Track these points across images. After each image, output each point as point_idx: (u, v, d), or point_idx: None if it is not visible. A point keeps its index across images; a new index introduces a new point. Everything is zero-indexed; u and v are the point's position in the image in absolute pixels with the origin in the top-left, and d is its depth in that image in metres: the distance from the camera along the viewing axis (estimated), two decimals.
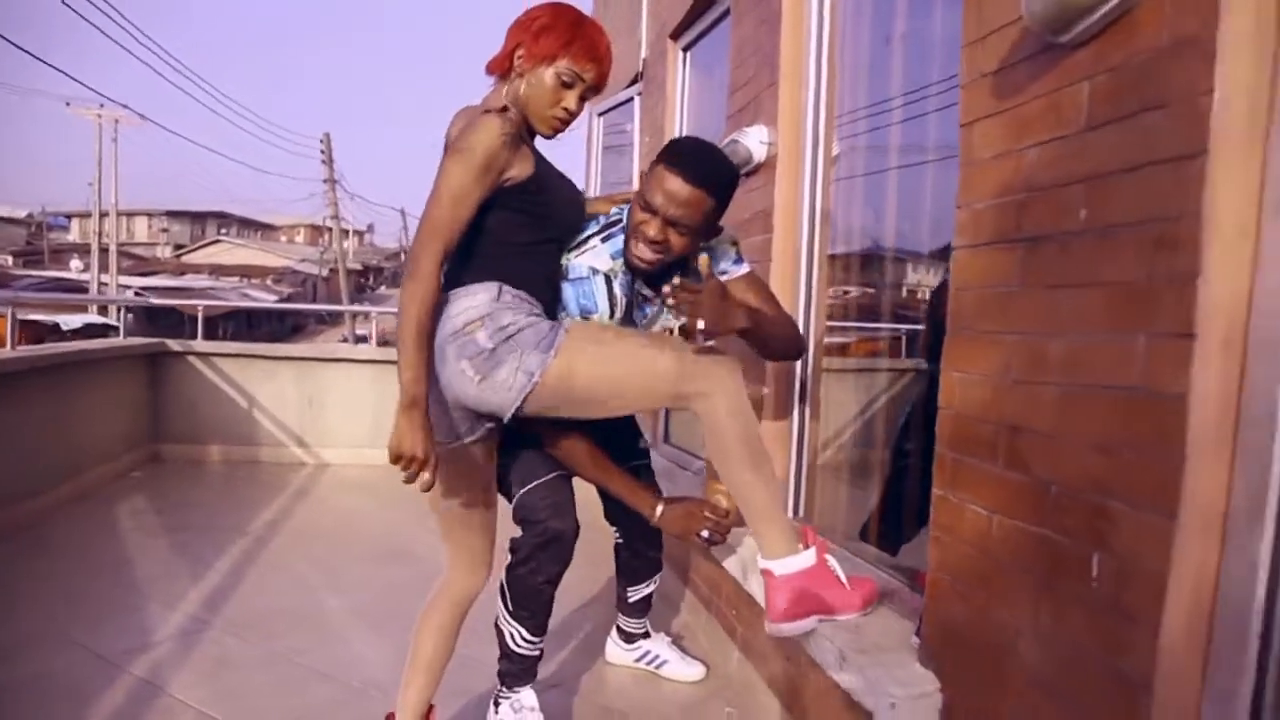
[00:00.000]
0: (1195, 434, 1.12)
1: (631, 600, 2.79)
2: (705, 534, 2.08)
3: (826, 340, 2.72)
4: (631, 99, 4.86)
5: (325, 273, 40.37)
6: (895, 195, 2.82)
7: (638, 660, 2.86)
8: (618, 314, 2.08)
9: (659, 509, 2.12)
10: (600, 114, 5.40)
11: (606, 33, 1.93)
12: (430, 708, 2.13)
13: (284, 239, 57.77)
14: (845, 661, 1.82)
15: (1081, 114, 1.33)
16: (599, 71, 1.88)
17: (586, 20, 1.89)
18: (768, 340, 2.12)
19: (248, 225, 57.09)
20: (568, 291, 2.06)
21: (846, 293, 3.72)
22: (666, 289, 1.80)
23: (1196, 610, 1.15)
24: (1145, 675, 1.18)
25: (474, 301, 1.84)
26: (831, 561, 1.98)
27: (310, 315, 36.42)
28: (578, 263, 2.07)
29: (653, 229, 1.94)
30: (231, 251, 43.47)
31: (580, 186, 2.21)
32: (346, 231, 42.65)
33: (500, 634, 2.31)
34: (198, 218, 54.34)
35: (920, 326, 3.30)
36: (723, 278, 2.12)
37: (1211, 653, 1.15)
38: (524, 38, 1.84)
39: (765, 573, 1.95)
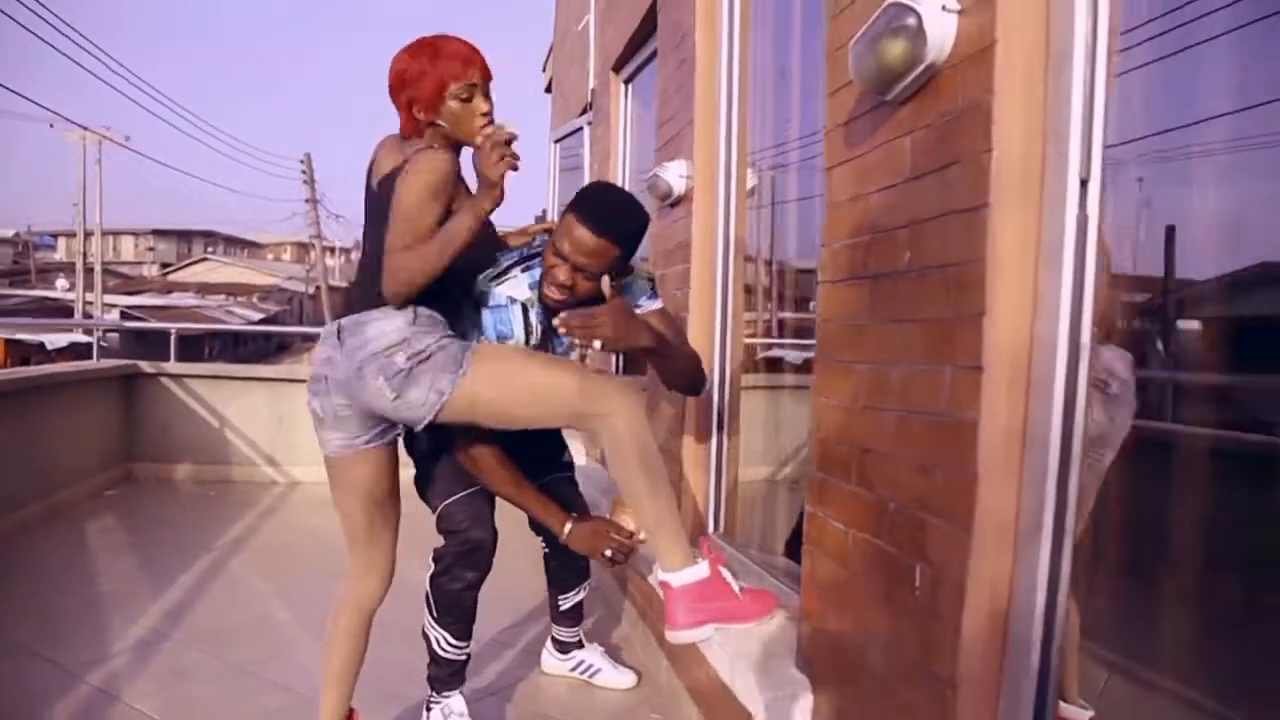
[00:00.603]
0: (985, 456, 1.26)
1: (563, 608, 2.93)
2: (609, 553, 2.20)
3: (765, 358, 2.87)
4: (582, 128, 5.02)
5: (312, 290, 40.48)
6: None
7: (572, 670, 2.99)
8: (533, 340, 2.23)
9: (567, 527, 2.25)
10: (556, 141, 5.55)
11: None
12: (351, 711, 2.25)
13: (270, 256, 57.89)
14: (734, 667, 1.95)
15: (906, 164, 1.47)
16: (479, 67, 2.01)
17: (437, 41, 2.01)
18: (671, 367, 2.26)
19: (234, 244, 57.22)
20: (486, 318, 2.20)
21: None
22: (559, 324, 1.94)
23: (993, 615, 1.28)
24: (951, 675, 1.31)
25: (391, 325, 1.97)
26: (726, 574, 2.11)
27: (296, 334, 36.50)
28: (498, 291, 2.21)
29: (562, 274, 2.10)
30: (218, 270, 43.56)
31: (543, 208, 2.36)
32: (332, 249, 42.77)
33: (427, 640, 2.44)
34: (184, 236, 54.45)
35: None
36: (636, 310, 2.26)
37: (1007, 654, 1.29)
38: (410, 94, 1.98)
39: (663, 584, 2.08)
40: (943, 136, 1.36)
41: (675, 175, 2.86)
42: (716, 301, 2.76)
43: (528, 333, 2.23)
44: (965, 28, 1.31)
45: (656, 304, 2.32)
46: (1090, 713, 1.92)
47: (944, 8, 1.31)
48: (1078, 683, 1.95)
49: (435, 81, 1.96)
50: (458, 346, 2.03)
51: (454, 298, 2.14)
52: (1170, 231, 1.47)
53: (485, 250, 2.22)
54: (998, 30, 1.23)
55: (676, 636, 2.07)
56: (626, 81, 4.33)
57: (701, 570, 2.07)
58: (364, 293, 2.00)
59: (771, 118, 2.85)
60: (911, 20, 1.32)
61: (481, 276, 2.23)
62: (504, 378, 2.01)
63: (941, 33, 1.32)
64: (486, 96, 2.03)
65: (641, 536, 2.24)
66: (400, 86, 1.99)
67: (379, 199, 1.99)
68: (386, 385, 1.95)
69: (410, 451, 2.47)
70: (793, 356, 3.51)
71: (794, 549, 2.86)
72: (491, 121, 2.02)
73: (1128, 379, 1.79)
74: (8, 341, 19.32)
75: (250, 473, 6.21)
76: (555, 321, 1.96)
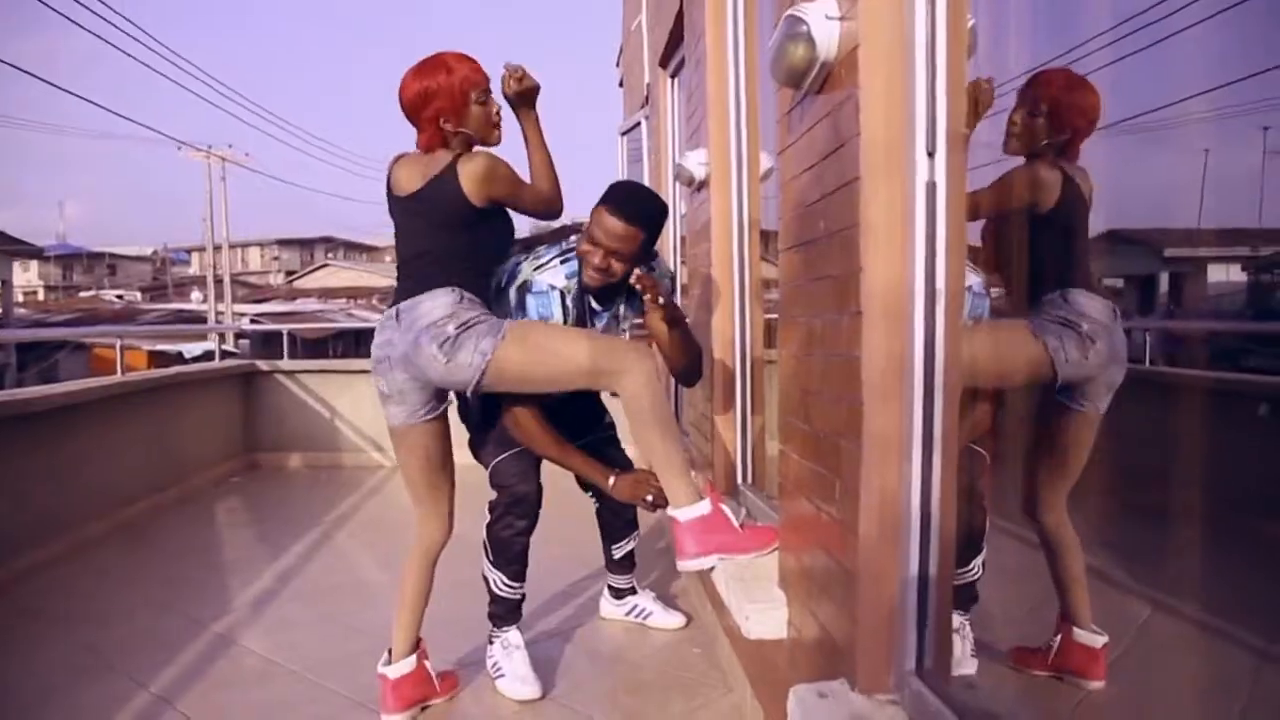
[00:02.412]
0: (869, 385, 1.53)
1: (616, 557, 3.27)
2: (650, 498, 2.52)
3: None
4: (640, 123, 5.32)
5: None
6: None
7: (627, 614, 3.33)
8: (569, 322, 2.58)
9: (611, 479, 2.59)
10: (622, 134, 5.87)
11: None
12: (419, 641, 2.64)
13: (388, 259, 59.83)
14: (729, 588, 2.25)
15: (819, 147, 1.74)
16: (484, 73, 2.40)
17: (441, 57, 2.37)
18: (682, 352, 2.62)
19: (353, 248, 59.41)
20: (530, 302, 2.57)
21: None
22: (634, 280, 2.38)
23: (885, 517, 1.55)
24: (854, 569, 1.59)
25: (441, 302, 2.35)
26: (726, 510, 2.40)
27: None
28: (540, 279, 2.58)
29: (597, 258, 2.48)
30: (338, 274, 45.40)
31: None
32: None
33: (486, 581, 2.82)
34: (306, 244, 56.78)
35: None
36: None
37: (897, 547, 1.55)
38: (437, 107, 2.33)
39: (671, 520, 2.39)
40: (834, 123, 1.63)
41: (695, 163, 3.15)
42: (734, 276, 3.04)
43: (565, 315, 2.59)
44: (844, 31, 1.58)
45: (673, 299, 2.67)
46: (1104, 638, 2.16)
47: (826, 16, 1.58)
48: (1089, 609, 2.21)
49: (459, 91, 2.33)
50: (497, 320, 2.40)
51: (488, 288, 2.52)
52: None
53: (509, 235, 2.58)
54: (860, 33, 1.50)
55: (685, 564, 2.38)
56: (672, 76, 4.61)
57: (704, 507, 2.37)
58: (417, 284, 2.38)
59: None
60: (803, 28, 1.60)
61: (525, 265, 2.60)
62: (536, 341, 2.37)
63: (827, 36, 1.59)
64: (492, 98, 2.42)
65: None
66: (424, 103, 2.34)
67: (429, 203, 2.35)
68: (439, 351, 2.31)
69: (465, 421, 2.85)
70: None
71: None
72: (500, 120, 2.44)
73: (1105, 322, 2.03)
74: (150, 353, 20.76)
75: (359, 458, 6.76)
76: (631, 279, 2.40)
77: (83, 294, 43.26)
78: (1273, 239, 2.10)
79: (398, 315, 2.38)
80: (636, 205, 2.50)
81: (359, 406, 6.79)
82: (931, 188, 1.45)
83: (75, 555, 4.22)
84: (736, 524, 2.42)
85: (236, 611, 3.50)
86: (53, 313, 29.44)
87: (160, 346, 20.62)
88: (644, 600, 3.34)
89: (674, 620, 3.29)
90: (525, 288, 2.58)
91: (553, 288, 2.57)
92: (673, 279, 2.69)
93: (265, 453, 6.72)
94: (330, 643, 3.17)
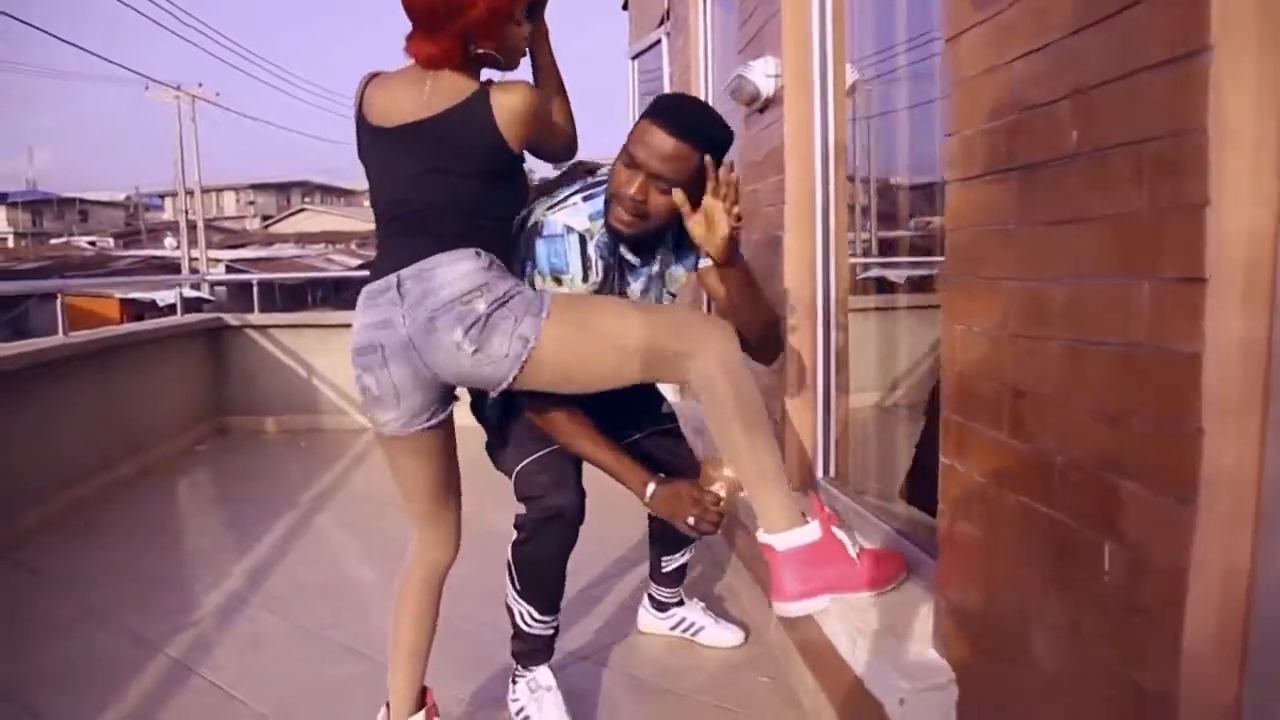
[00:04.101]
0: (1212, 400, 0.91)
1: (665, 570, 2.67)
2: (691, 521, 1.89)
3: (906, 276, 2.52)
4: (659, 41, 4.62)
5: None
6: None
7: (673, 628, 2.73)
8: (592, 278, 1.92)
9: (650, 488, 1.95)
10: (633, 57, 5.17)
11: None
12: (424, 690, 2.04)
13: (366, 204, 58.63)
14: (856, 646, 1.65)
15: (1066, 15, 1.09)
16: None
17: None
18: (753, 313, 1.95)
19: (330, 192, 58.11)
20: (540, 248, 1.90)
21: (928, 223, 3.47)
22: (722, 172, 1.70)
23: (1227, 614, 0.94)
24: (1167, 690, 0.98)
25: (462, 269, 1.70)
26: (841, 534, 1.80)
27: None
28: (553, 219, 1.91)
29: (632, 187, 1.78)
30: (316, 218, 44.34)
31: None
32: None
33: (510, 613, 2.21)
34: (282, 188, 55.59)
35: None
36: (708, 260, 1.94)
37: (1248, 664, 0.94)
38: (474, 19, 1.67)
39: (765, 548, 1.77)
40: None
41: (761, 75, 2.48)
42: (816, 215, 2.39)
43: (585, 268, 1.91)
44: None
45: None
46: None
47: None
48: None
49: (504, 6, 1.70)
50: (532, 292, 1.77)
51: (509, 240, 1.89)
52: None
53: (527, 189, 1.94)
54: None
55: (785, 609, 1.76)
56: None
57: (811, 531, 1.75)
58: (423, 244, 1.73)
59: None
60: None
61: (537, 205, 1.93)
62: (588, 320, 1.75)
63: None
64: (533, 18, 1.83)
65: (741, 493, 1.94)
66: (456, 12, 1.68)
67: (447, 140, 1.73)
68: (465, 339, 1.68)
69: (478, 415, 2.21)
70: (893, 275, 3.15)
71: (914, 491, 2.54)
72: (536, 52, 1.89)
73: None
74: (123, 300, 19.95)
75: (340, 421, 6.13)
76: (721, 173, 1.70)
77: (54, 241, 42.02)
78: None
79: (399, 285, 1.72)
80: (692, 118, 1.80)
81: (338, 364, 6.13)
82: None
83: (3, 551, 3.57)
84: (854, 552, 1.81)
85: (196, 626, 2.88)
86: (22, 260, 28.42)
87: (134, 294, 19.83)
88: (693, 613, 2.74)
89: (730, 637, 2.69)
90: (535, 230, 1.91)
91: (570, 230, 1.89)
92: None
93: (235, 416, 6.07)
94: (310, 666, 2.57)
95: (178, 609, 3.01)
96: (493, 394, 1.81)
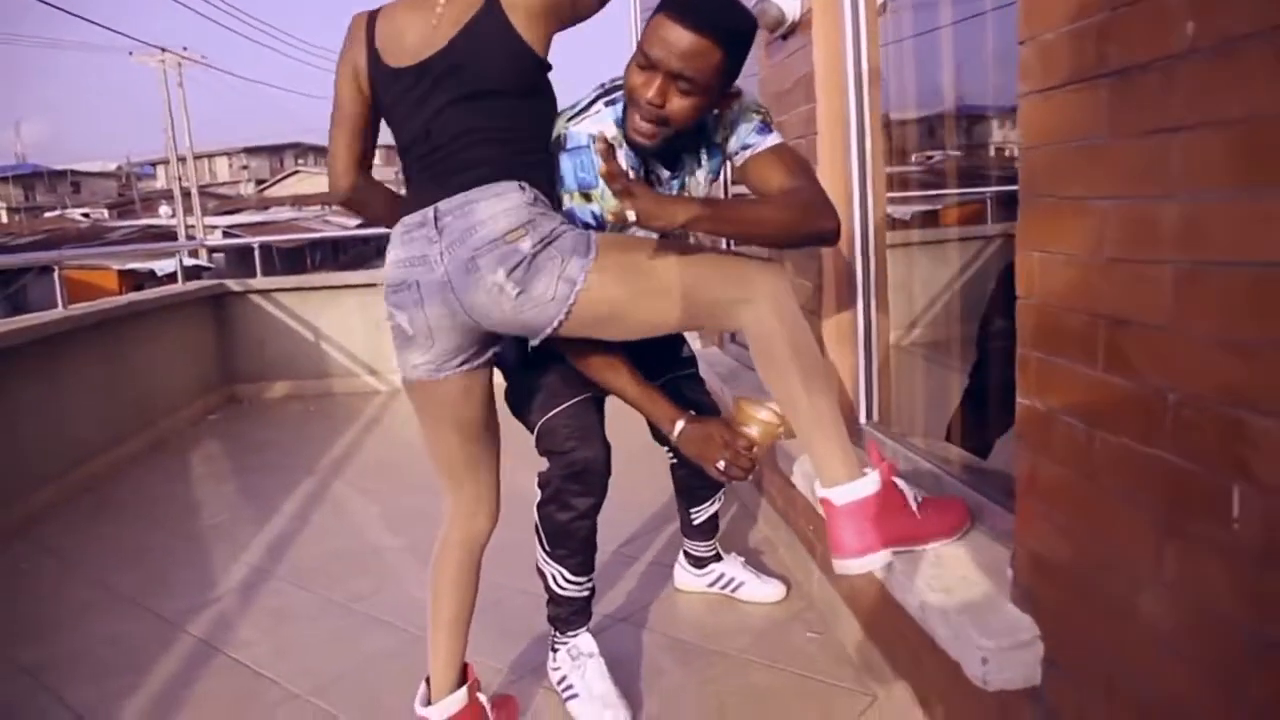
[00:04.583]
0: None
1: (696, 522, 2.57)
2: (721, 465, 1.77)
3: (905, 213, 2.38)
4: None
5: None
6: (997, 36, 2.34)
7: (711, 585, 2.65)
8: None
9: (679, 425, 1.82)
10: None
11: None
12: (465, 666, 1.95)
13: None
14: (927, 602, 1.54)
15: None
16: None
17: None
18: (765, 227, 1.67)
19: (324, 153, 57.36)
20: (565, 164, 1.74)
21: (929, 158, 3.33)
22: (600, 160, 1.43)
23: None
24: None
25: (507, 204, 1.58)
26: (901, 484, 1.69)
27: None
28: (576, 130, 1.75)
29: (651, 89, 1.60)
30: (311, 180, 43.87)
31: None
32: None
33: (542, 577, 2.11)
34: (275, 151, 55.04)
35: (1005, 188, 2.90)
36: (744, 152, 1.78)
37: None
38: None
39: (823, 502, 1.66)
40: None
41: None
42: (851, 146, 2.24)
43: None
44: None
45: (770, 139, 1.78)
46: None
47: None
48: None
49: None
50: (579, 231, 1.64)
51: (545, 169, 1.73)
52: None
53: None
54: None
55: (845, 565, 1.66)
56: None
57: (871, 483, 1.64)
58: (460, 177, 1.61)
59: None
60: None
61: (559, 117, 1.78)
62: (633, 262, 1.62)
63: None
64: None
65: (778, 438, 1.82)
66: None
67: (466, 61, 1.60)
68: (508, 280, 1.56)
69: (497, 361, 2.10)
70: (900, 212, 3.01)
71: (965, 431, 2.42)
72: None
73: None
74: (120, 272, 19.77)
75: (351, 384, 6.03)
76: (600, 161, 1.44)
77: (47, 214, 41.69)
78: None
79: (436, 219, 1.60)
80: (710, 8, 1.59)
81: (345, 325, 6.03)
82: None
83: (17, 534, 3.48)
84: (915, 502, 1.70)
85: (219, 602, 2.81)
86: (16, 235, 28.19)
87: (131, 265, 19.64)
88: (731, 568, 2.65)
89: (772, 592, 2.60)
90: (558, 144, 1.75)
91: (595, 139, 1.75)
92: (764, 112, 1.84)
93: (245, 384, 5.97)
94: (340, 643, 2.49)
95: (199, 586, 2.93)
96: (534, 342, 1.68)
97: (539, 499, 2.02)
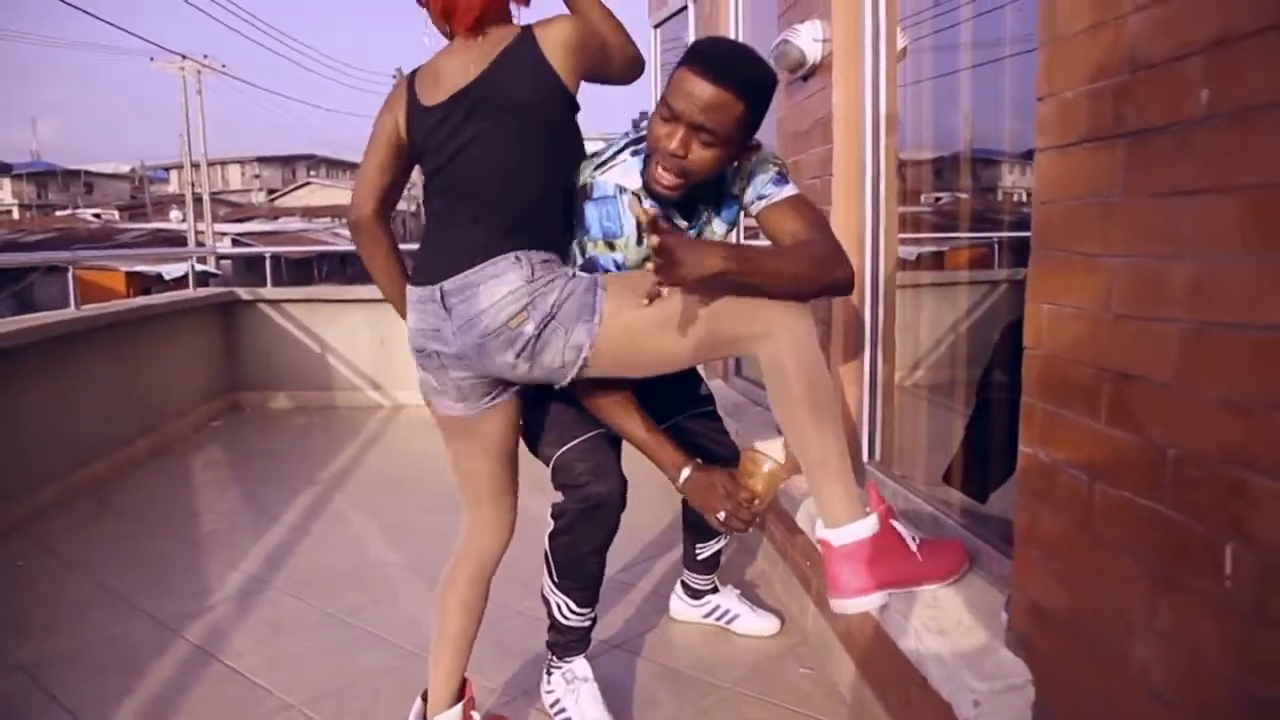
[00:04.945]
0: None
1: (700, 557, 2.59)
2: (721, 515, 1.79)
3: (911, 253, 2.41)
4: (685, 7, 4.48)
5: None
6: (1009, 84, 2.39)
7: (706, 616, 2.66)
8: (646, 240, 1.81)
9: (684, 473, 1.85)
10: (656, 26, 5.03)
11: None
12: (464, 682, 1.96)
13: None
14: (921, 643, 1.56)
15: None
16: None
17: None
18: (783, 280, 1.65)
19: (335, 165, 57.87)
20: (591, 212, 1.78)
21: (938, 199, 3.36)
22: (642, 216, 1.44)
23: None
24: None
25: (507, 287, 1.63)
26: (899, 526, 1.71)
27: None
28: (603, 180, 1.79)
29: (674, 140, 1.64)
30: (322, 192, 44.16)
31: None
32: None
33: (547, 604, 2.13)
34: (287, 161, 55.35)
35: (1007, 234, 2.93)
36: (760, 203, 1.82)
37: None
38: None
39: (822, 542, 1.69)
40: None
41: (809, 39, 2.36)
42: (866, 189, 2.28)
43: (640, 228, 1.81)
44: None
45: (786, 189, 1.81)
46: None
47: None
48: None
49: None
50: (582, 288, 1.67)
51: (562, 214, 1.80)
52: None
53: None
54: None
55: (843, 605, 1.68)
56: None
57: (869, 525, 1.67)
58: (464, 248, 1.66)
59: None
60: None
61: (584, 166, 1.83)
62: (643, 316, 1.65)
63: None
64: None
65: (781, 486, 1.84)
66: None
67: (494, 94, 1.66)
68: (518, 359, 1.65)
69: None
70: (904, 252, 3.04)
71: (964, 475, 2.44)
72: None
73: None
74: (129, 274, 19.87)
75: (353, 398, 6.05)
76: (644, 218, 1.44)
77: (59, 213, 41.88)
78: None
79: (443, 299, 1.66)
80: (733, 62, 1.64)
81: (352, 339, 6.06)
82: None
83: (18, 531, 3.50)
84: (913, 544, 1.73)
85: (216, 609, 2.82)
86: (27, 232, 28.32)
87: (139, 268, 19.73)
88: (727, 600, 2.66)
89: (766, 626, 2.61)
90: (585, 193, 1.79)
91: (622, 190, 1.77)
92: (781, 164, 1.88)
93: (248, 392, 6.00)
94: (338, 657, 2.50)
95: (196, 592, 2.95)
96: (556, 388, 1.77)
97: (551, 529, 2.04)
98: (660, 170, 1.69)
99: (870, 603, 1.66)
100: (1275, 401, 0.92)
